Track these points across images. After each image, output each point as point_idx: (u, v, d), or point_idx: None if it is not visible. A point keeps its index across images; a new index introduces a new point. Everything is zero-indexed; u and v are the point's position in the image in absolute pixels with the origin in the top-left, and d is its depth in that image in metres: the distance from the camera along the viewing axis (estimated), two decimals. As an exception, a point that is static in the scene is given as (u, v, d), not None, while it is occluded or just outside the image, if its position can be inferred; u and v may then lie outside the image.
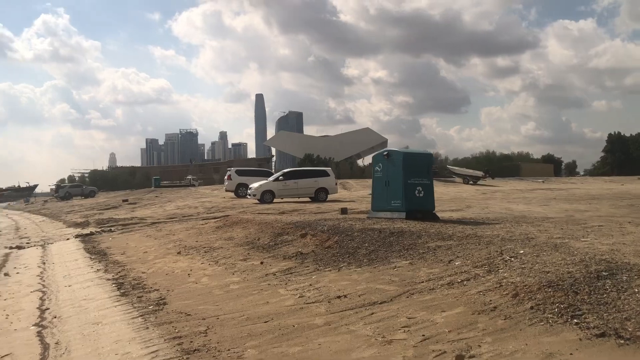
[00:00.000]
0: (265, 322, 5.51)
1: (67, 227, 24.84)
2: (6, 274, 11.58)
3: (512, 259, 6.38)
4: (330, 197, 28.50)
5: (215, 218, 21.25)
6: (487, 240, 7.59)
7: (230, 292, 7.12)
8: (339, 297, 6.06)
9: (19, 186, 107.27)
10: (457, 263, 6.64)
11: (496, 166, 66.97)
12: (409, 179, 11.09)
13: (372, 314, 5.29)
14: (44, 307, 8.02)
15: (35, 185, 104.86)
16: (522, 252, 6.63)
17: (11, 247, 17.76)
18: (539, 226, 9.61)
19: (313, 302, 6.00)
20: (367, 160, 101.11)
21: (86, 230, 21.79)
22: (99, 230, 21.26)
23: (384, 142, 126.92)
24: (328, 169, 32.46)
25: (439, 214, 12.06)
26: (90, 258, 12.58)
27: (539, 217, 12.67)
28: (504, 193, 30.49)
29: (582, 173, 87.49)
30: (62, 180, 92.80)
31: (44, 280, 10.45)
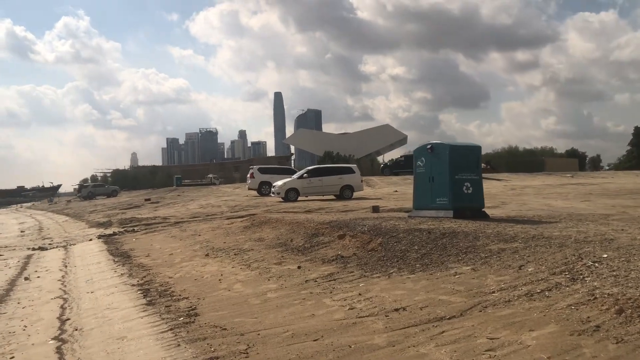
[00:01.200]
0: (315, 340, 4.73)
1: (89, 227, 24.45)
2: (26, 278, 11.03)
3: (596, 264, 5.49)
4: (355, 194, 27.67)
5: (240, 217, 20.60)
6: (559, 242, 6.70)
7: (268, 302, 6.36)
8: (396, 309, 5.25)
9: (43, 186, 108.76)
10: (529, 269, 5.78)
11: (520, 161, 65.91)
12: (456, 174, 10.18)
13: (443, 332, 4.47)
14: (64, 317, 7.37)
15: (59, 185, 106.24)
16: (605, 256, 5.73)
17: (34, 249, 17.35)
18: (608, 225, 8.65)
19: (367, 316, 5.21)
20: (387, 156, 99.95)
21: (109, 231, 21.34)
22: (121, 230, 20.79)
23: (404, 139, 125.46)
24: (353, 165, 31.58)
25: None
26: (114, 261, 11.98)
27: (594, 214, 11.66)
28: (535, 189, 29.26)
29: (606, 167, 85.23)
30: (85, 180, 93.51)
31: (65, 286, 9.85)
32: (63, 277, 10.99)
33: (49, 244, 18.55)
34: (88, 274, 10.80)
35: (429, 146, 10.60)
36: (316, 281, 6.94)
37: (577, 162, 75.08)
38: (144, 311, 6.88)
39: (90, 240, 18.56)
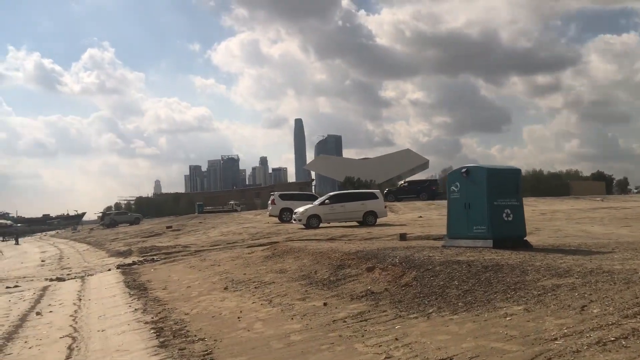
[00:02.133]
0: (348, 398, 4.02)
1: (109, 257, 24.08)
2: (38, 313, 10.50)
3: (676, 305, 4.68)
4: (379, 220, 26.88)
5: (260, 245, 19.98)
6: (623, 277, 5.88)
7: (292, 346, 5.65)
8: None
9: (67, 214, 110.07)
10: (594, 310, 4.98)
11: (545, 185, 64.56)
12: (494, 200, 9.37)
13: (503, 391, 3.72)
14: (71, 360, 6.78)
15: (83, 213, 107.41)
16: (685, 295, 4.92)
17: (51, 279, 16.96)
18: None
19: (408, 367, 4.47)
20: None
21: (128, 260, 20.90)
22: (141, 259, 20.33)
23: (425, 163, 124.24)
24: (376, 191, 30.85)
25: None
26: (129, 294, 11.40)
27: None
28: (565, 213, 28.04)
29: (634, 190, 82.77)
30: (109, 208, 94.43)
31: (76, 322, 9.27)
32: (76, 311, 10.44)
33: (67, 274, 18.16)
34: (101, 309, 10.23)
35: (464, 170, 9.83)
36: (345, 321, 6.21)
37: (604, 185, 73.03)
38: (155, 355, 6.23)
39: (109, 270, 18.11)
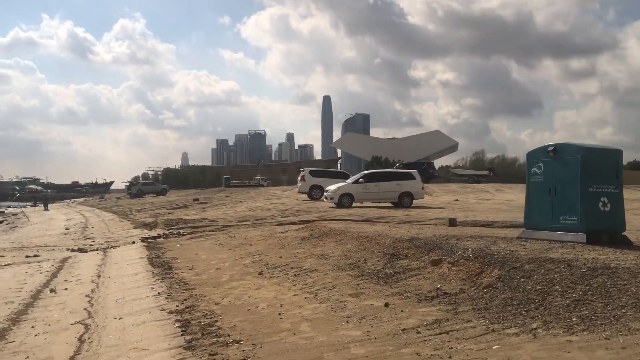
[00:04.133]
0: None
1: (134, 228, 23.24)
2: (52, 290, 9.49)
3: None
4: (415, 202, 25.43)
5: (292, 223, 18.76)
6: None
7: (355, 363, 4.37)
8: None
9: (96, 182, 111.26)
10: None
11: None
12: (590, 186, 7.75)
13: None
14: (80, 358, 5.64)
15: (112, 182, 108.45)
16: None
17: (73, 250, 16.13)
18: None
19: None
20: (437, 163, 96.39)
21: (153, 232, 19.99)
22: (167, 232, 19.39)
23: (454, 146, 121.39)
24: (414, 171, 29.20)
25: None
26: (153, 272, 10.31)
27: None
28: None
29: (672, 180, 79.02)
30: (137, 178, 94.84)
31: (92, 305, 8.19)
32: (93, 291, 9.39)
33: (90, 245, 17.33)
34: (121, 290, 9.14)
35: (550, 148, 8.19)
36: (419, 332, 4.88)
37: (644, 173, 69.79)
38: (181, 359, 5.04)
39: (133, 242, 17.18)
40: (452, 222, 13.71)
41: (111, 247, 16.38)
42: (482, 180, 48.05)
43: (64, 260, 13.89)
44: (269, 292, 7.34)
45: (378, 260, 8.01)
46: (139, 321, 6.73)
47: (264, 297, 7.13)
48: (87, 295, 8.95)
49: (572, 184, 7.76)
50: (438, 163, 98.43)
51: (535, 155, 8.53)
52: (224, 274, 9.26)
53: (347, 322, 5.49)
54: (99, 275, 10.96)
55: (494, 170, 53.24)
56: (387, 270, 7.33)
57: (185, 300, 7.53)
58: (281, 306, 6.51)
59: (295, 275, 8.22)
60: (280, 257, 10.09)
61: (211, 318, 6.37)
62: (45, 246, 17.69)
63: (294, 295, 6.99)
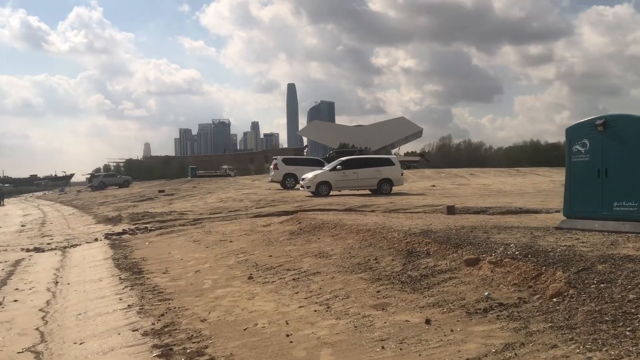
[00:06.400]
0: None
1: (96, 223, 21.43)
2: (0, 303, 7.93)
3: None
4: (394, 189, 24.41)
5: (271, 215, 17.42)
6: None
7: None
8: None
9: (55, 175, 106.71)
10: None
11: (544, 155, 63.45)
12: (653, 166, 6.60)
13: None
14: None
15: (72, 175, 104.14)
16: None
17: (28, 250, 14.38)
18: None
19: None
20: (403, 149, 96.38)
21: (118, 228, 18.29)
22: (132, 227, 17.72)
23: (419, 132, 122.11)
24: (393, 157, 28.26)
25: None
26: (120, 278, 8.82)
27: None
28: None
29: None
30: (98, 170, 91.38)
31: (46, 323, 6.68)
32: (48, 302, 7.86)
33: (47, 244, 15.57)
34: (82, 300, 7.65)
35: (599, 121, 6.92)
36: (488, 364, 3.67)
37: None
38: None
39: (96, 240, 15.53)
40: (451, 210, 12.63)
41: (71, 246, 14.69)
42: (413, 166, 51.06)
43: (17, 262, 12.20)
44: (267, 303, 6.02)
45: (393, 259, 6.77)
46: (106, 347, 5.31)
47: (262, 310, 5.80)
48: (40, 310, 7.43)
49: (630, 164, 6.60)
50: (404, 149, 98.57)
51: (577, 130, 7.31)
52: (206, 279, 7.87)
53: (383, 347, 4.23)
54: (57, 282, 9.40)
55: (425, 157, 58.00)
56: (410, 272, 6.08)
57: (162, 315, 6.13)
58: (287, 323, 5.20)
59: (294, 279, 6.91)
60: (270, 255, 8.75)
61: (198, 342, 5.02)
62: (-3, 246, 15.82)
63: (300, 307, 5.68)
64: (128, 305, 6.85)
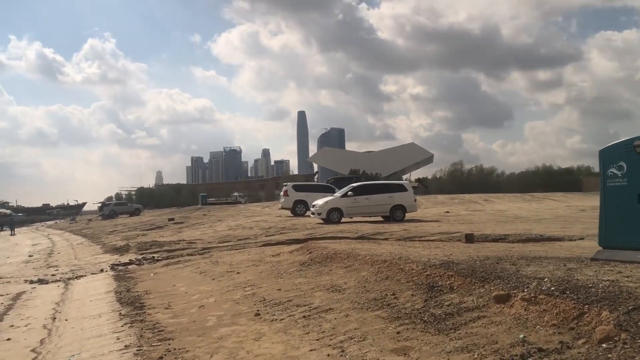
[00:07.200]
0: None
1: (104, 253, 21.03)
2: (-10, 344, 7.43)
3: None
4: (407, 215, 23.86)
5: (280, 243, 16.93)
6: None
7: None
8: None
9: (67, 204, 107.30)
10: None
11: (557, 180, 62.58)
12: None
13: None
14: None
15: (84, 203, 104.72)
16: None
17: (32, 281, 13.95)
18: None
19: None
20: (414, 175, 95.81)
21: (125, 258, 17.87)
22: (139, 257, 17.30)
23: (430, 157, 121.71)
24: (405, 182, 27.78)
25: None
26: (120, 314, 8.30)
27: None
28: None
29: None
30: (110, 198, 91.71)
31: (36, 367, 6.18)
32: (42, 341, 7.36)
33: (52, 275, 15.15)
34: (78, 340, 7.13)
35: (638, 142, 6.40)
36: None
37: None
38: None
39: (101, 271, 15.07)
40: (470, 238, 12.02)
41: (76, 277, 14.26)
42: None
43: (18, 295, 11.78)
44: (275, 345, 5.46)
45: (412, 295, 6.20)
46: (96, 397, 4.78)
47: (270, 353, 5.24)
48: (33, 350, 6.92)
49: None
50: (415, 175, 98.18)
51: (612, 151, 6.71)
52: (210, 315, 7.33)
53: (408, 404, 3.66)
54: (54, 318, 8.90)
55: (423, 183, 58.27)
56: (432, 310, 5.51)
57: (161, 358, 5.59)
58: (298, 371, 4.64)
59: (304, 317, 6.35)
60: (279, 289, 8.20)
61: (199, 392, 4.47)
62: (1, 278, 15.42)
63: (311, 350, 5.12)
64: (125, 346, 6.32)
